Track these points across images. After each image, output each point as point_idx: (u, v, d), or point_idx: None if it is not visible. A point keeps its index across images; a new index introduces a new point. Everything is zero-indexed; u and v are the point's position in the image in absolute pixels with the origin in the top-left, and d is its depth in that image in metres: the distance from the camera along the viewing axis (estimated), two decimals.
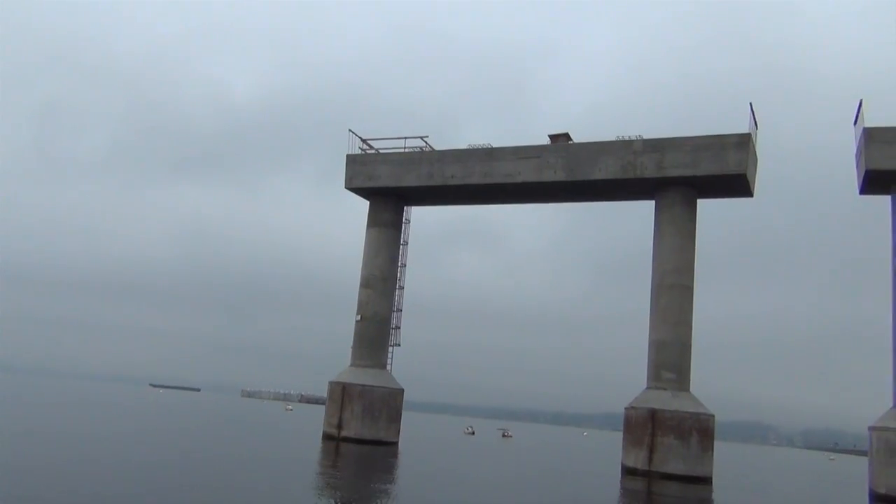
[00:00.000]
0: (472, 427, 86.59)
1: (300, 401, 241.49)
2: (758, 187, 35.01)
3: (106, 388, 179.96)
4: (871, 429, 29.84)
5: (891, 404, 30.04)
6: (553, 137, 36.71)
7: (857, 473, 59.32)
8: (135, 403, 72.09)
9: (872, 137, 30.70)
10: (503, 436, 75.78)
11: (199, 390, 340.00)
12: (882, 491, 28.71)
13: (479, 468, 31.74)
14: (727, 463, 61.95)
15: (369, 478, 21.95)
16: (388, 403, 36.34)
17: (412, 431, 69.34)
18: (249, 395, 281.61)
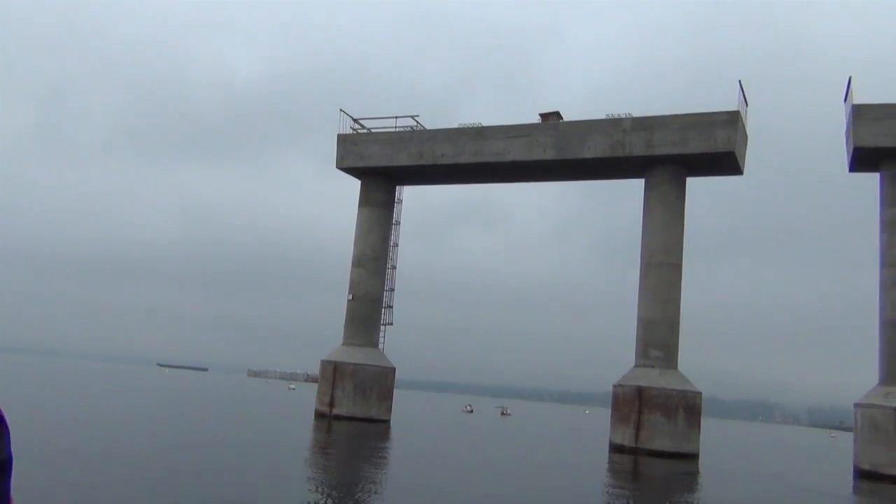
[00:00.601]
0: (470, 405, 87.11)
1: (306, 380, 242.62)
2: (756, 165, 34.99)
3: (114, 368, 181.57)
4: (857, 406, 30.01)
5: (877, 381, 30.22)
6: (543, 116, 36.65)
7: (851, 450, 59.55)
8: (140, 383, 72.83)
9: (860, 114, 30.58)
10: (502, 414, 76.16)
11: (206, 370, 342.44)
12: (866, 467, 28.94)
13: (467, 445, 32.10)
14: (722, 439, 62.41)
15: (357, 456, 22.26)
16: (380, 382, 36.66)
17: (411, 409, 69.91)
18: (256, 374, 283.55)
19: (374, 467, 19.24)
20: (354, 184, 39.44)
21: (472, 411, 76.00)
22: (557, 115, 36.48)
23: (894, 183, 30.72)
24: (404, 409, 67.56)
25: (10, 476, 1.79)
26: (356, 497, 13.79)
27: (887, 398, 28.87)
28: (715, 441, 60.26)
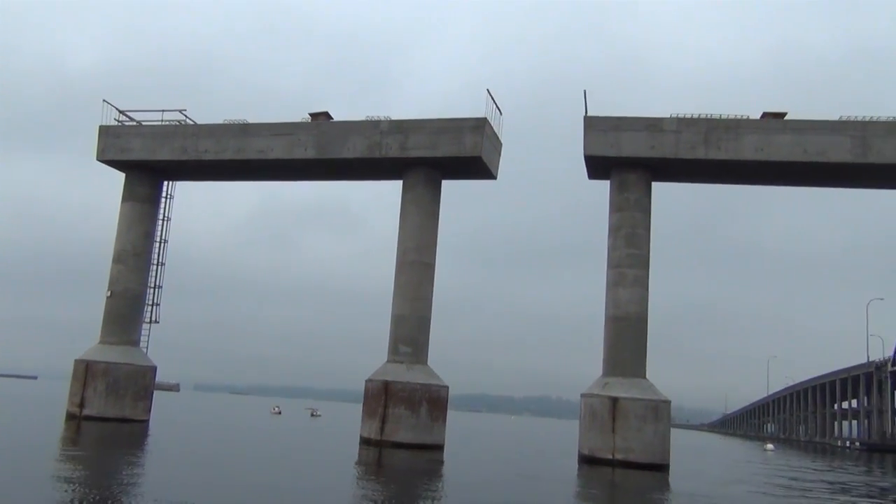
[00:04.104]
0: (278, 407, 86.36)
1: None
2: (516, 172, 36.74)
3: None
4: (582, 396, 32.26)
5: (601, 373, 32.62)
6: (313, 115, 37.07)
7: None
8: None
9: (590, 125, 33.00)
10: (311, 415, 76.02)
11: (35, 378, 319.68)
12: (585, 452, 31.21)
13: (225, 444, 31.83)
14: (500, 434, 65.22)
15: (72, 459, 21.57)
16: (136, 381, 35.74)
17: (214, 411, 68.30)
18: None
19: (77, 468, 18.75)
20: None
21: (280, 413, 75.34)
22: (327, 115, 36.98)
23: (620, 190, 33.34)
24: (207, 411, 66.03)
25: None
26: None
27: (605, 388, 31.27)
28: (486, 433, 63.10)
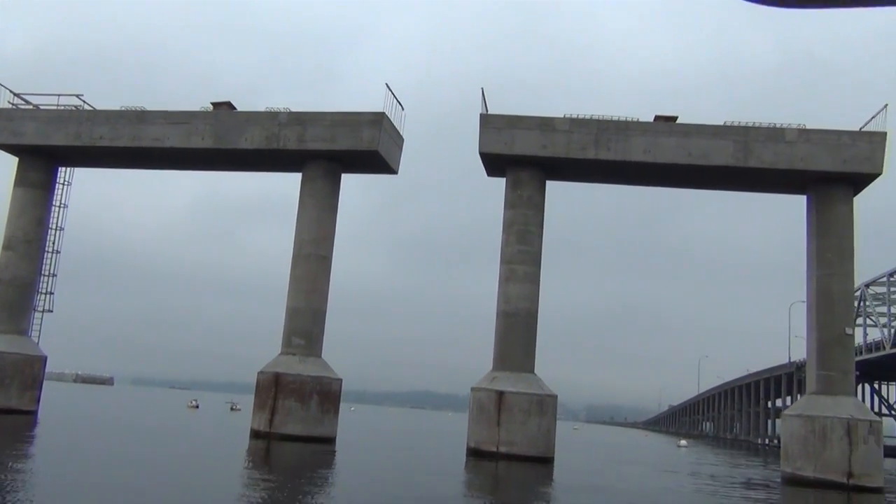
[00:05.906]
0: (196, 400, 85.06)
1: (75, 380, 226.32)
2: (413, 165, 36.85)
3: None
4: (472, 390, 32.60)
5: (490, 367, 33.02)
6: (215, 105, 36.65)
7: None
8: None
9: (486, 123, 33.35)
10: (231, 409, 75.18)
11: None
12: (472, 445, 31.55)
13: (114, 437, 31.35)
14: (393, 429, 65.51)
15: None
16: (22, 370, 34.94)
17: (123, 405, 66.94)
18: None
19: None
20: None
21: (197, 407, 74.25)
22: (229, 104, 36.59)
23: (514, 188, 33.78)
24: (119, 405, 64.72)
25: None
26: None
27: (493, 382, 31.69)
28: (380, 429, 63.33)
